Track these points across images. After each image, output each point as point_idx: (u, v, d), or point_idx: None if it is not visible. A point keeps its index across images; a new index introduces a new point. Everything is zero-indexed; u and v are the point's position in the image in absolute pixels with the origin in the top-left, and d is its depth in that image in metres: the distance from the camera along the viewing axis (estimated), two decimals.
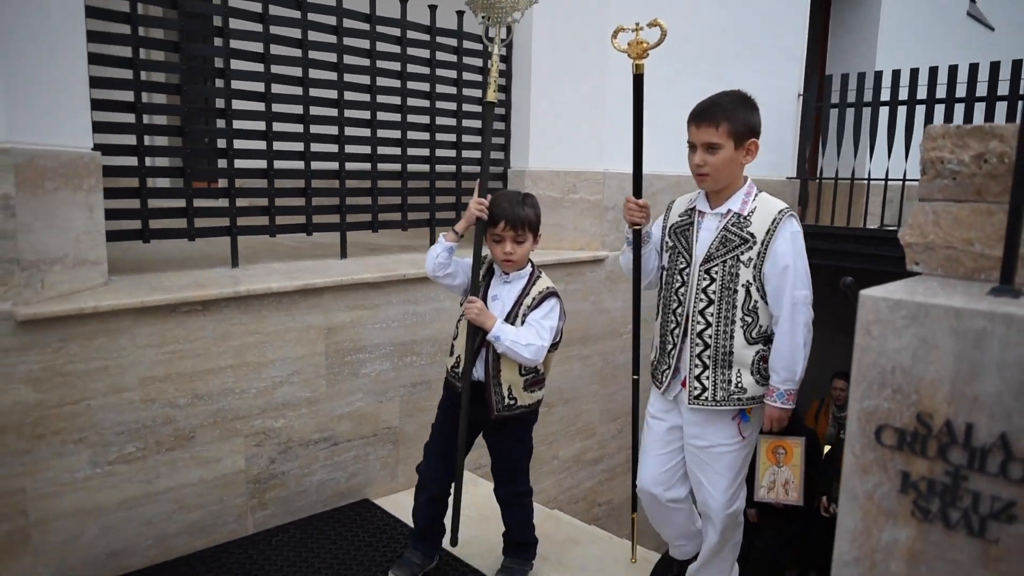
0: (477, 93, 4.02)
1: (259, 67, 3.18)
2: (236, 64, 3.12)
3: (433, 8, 3.72)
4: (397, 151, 3.70)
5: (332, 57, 3.40)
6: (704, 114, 2.22)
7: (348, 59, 3.45)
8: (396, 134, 3.69)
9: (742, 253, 2.24)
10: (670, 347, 2.38)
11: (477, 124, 4.06)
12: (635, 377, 2.72)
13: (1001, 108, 5.01)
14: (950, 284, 1.71)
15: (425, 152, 3.84)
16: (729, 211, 2.27)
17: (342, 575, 2.68)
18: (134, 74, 2.83)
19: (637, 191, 2.49)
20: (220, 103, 3.10)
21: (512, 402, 2.49)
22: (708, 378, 2.30)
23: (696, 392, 2.32)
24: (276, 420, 2.93)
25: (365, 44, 3.51)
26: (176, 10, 2.92)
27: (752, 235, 2.23)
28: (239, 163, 3.16)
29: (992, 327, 1.41)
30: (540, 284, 2.51)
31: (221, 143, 3.12)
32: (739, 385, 2.29)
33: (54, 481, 2.41)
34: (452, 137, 3.97)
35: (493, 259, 2.50)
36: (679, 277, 2.36)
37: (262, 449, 2.91)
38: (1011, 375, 1.39)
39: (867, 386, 1.58)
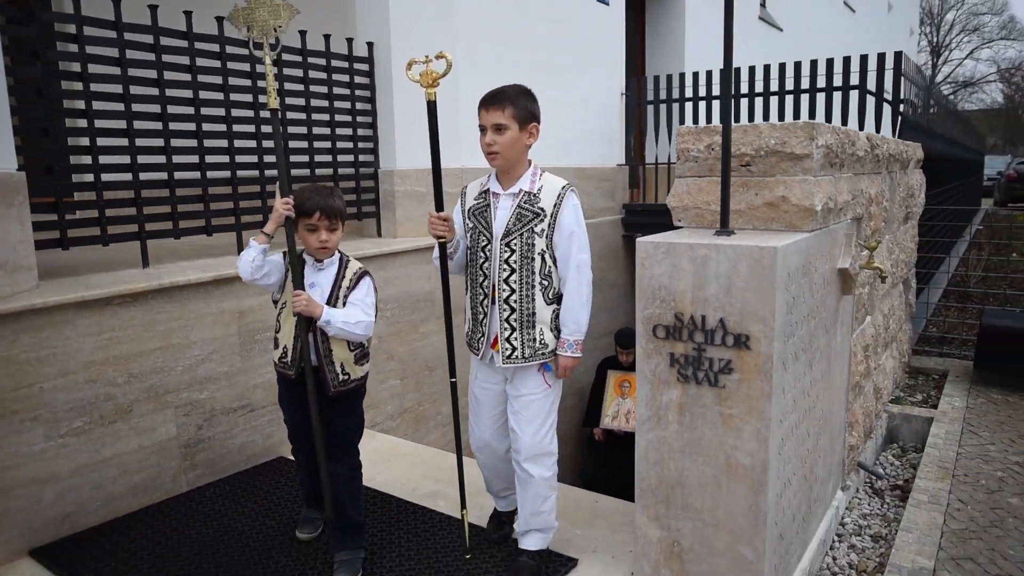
0: (347, 104, 4.63)
1: (155, 91, 3.63)
2: (135, 89, 3.55)
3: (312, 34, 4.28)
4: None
5: (218, 80, 3.89)
6: (493, 99, 2.49)
7: (232, 80, 3.95)
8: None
9: (536, 226, 2.50)
10: (481, 316, 2.61)
11: (349, 131, 4.67)
12: (452, 380, 2.78)
13: (781, 99, 6.21)
14: (695, 231, 2.58)
15: (305, 159, 4.40)
16: (521, 191, 2.53)
17: (265, 521, 3.16)
18: (48, 99, 3.22)
19: (439, 206, 2.61)
20: (123, 124, 3.52)
21: (346, 377, 2.67)
22: (516, 339, 2.55)
23: (507, 352, 2.55)
24: (200, 392, 3.43)
25: (246, 67, 4.02)
26: (77, 44, 3.33)
27: (543, 209, 2.51)
28: (143, 175, 3.60)
29: (710, 253, 2.26)
30: (352, 266, 2.71)
31: (126, 159, 3.54)
32: (542, 341, 2.55)
33: (14, 455, 2.82)
34: (328, 144, 4.55)
35: (306, 249, 2.63)
36: (482, 253, 2.57)
37: (190, 418, 3.40)
38: (721, 282, 2.24)
39: (645, 300, 2.41)
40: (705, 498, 2.40)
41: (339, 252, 2.71)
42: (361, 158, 4.81)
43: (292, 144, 4.30)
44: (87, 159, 3.42)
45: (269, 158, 4.18)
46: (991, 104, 45.79)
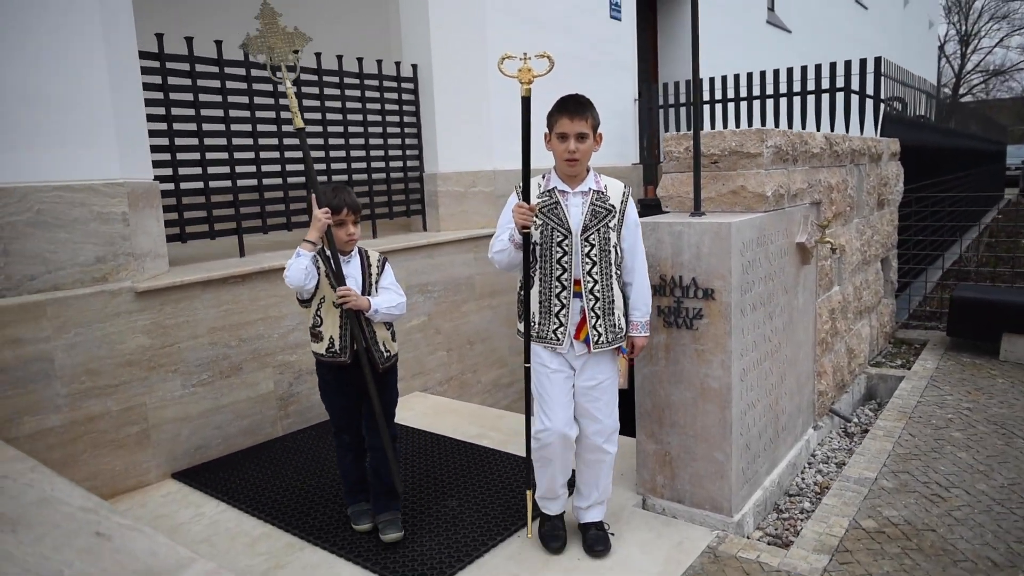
0: (395, 119, 5.48)
1: (247, 113, 4.50)
2: (233, 112, 4.42)
3: (380, 61, 5.13)
4: (344, 166, 5.10)
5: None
6: (579, 109, 2.66)
7: (307, 102, 4.81)
8: (343, 153, 5.08)
9: (610, 221, 2.71)
10: (558, 308, 2.73)
11: (398, 141, 5.51)
12: (527, 365, 2.81)
13: (776, 102, 6.92)
14: (677, 214, 3.36)
15: (363, 165, 5.25)
16: (591, 189, 2.73)
17: None
18: (168, 127, 4.10)
19: (526, 196, 2.67)
20: (223, 141, 4.40)
21: (389, 353, 2.97)
22: (601, 326, 2.73)
23: (595, 339, 2.73)
24: (291, 355, 4.29)
25: (316, 90, 4.88)
26: (190, 79, 4.20)
27: (613, 206, 2.73)
28: (239, 182, 4.47)
29: (684, 229, 3.04)
30: (373, 255, 2.96)
31: (224, 168, 4.42)
32: (619, 326, 2.78)
33: (162, 398, 3.69)
34: (382, 152, 5.40)
35: (336, 244, 2.79)
36: (559, 248, 2.70)
37: (284, 376, 4.26)
38: (692, 250, 3.02)
39: None
40: (686, 416, 3.18)
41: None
42: (409, 163, 5.65)
43: (353, 153, 5.16)
44: (198, 170, 4.30)
45: (337, 165, 5.03)
46: (1022, 93, 45.34)
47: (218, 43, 4.34)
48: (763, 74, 6.79)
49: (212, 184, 4.37)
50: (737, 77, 6.94)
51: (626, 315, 2.82)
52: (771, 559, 2.81)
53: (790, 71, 6.57)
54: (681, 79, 7.56)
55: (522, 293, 2.81)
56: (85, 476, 3.38)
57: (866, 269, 5.20)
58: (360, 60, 5.15)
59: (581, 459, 2.91)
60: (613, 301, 2.75)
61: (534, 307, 2.77)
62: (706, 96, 7.36)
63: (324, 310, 2.88)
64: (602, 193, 2.74)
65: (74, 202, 3.32)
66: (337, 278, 2.78)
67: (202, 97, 4.28)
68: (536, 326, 2.77)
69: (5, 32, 3.10)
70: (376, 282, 2.94)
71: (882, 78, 6.20)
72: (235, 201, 4.46)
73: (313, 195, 2.78)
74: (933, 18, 25.45)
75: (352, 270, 2.90)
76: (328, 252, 2.81)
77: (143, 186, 3.71)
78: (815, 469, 3.97)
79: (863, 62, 6.21)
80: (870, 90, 6.36)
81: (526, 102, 2.66)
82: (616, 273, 2.75)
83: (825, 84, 6.47)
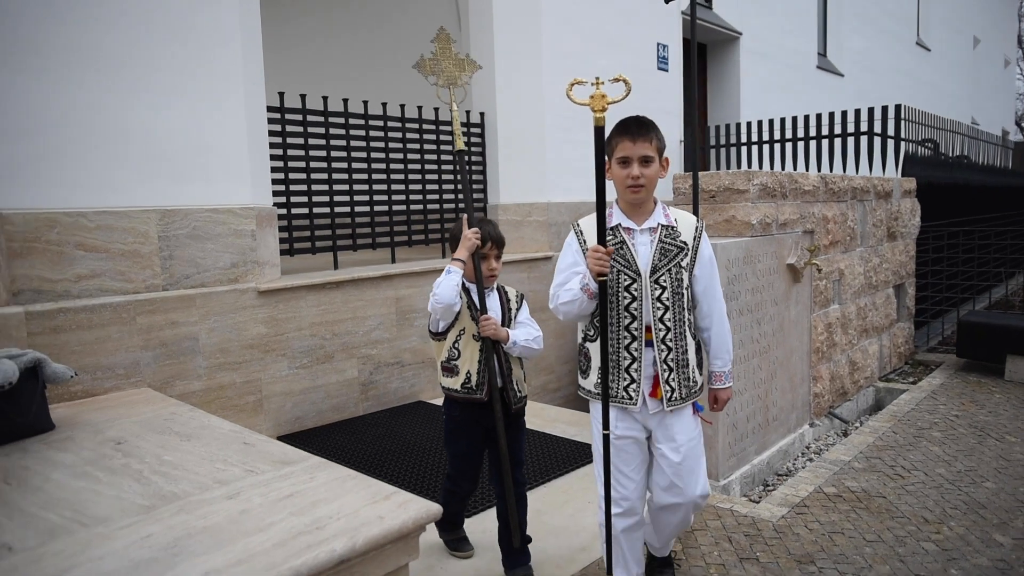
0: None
1: (344, 154, 5.57)
2: (333, 153, 5.50)
3: (436, 109, 6.17)
4: (420, 196, 6.11)
5: (381, 144, 5.80)
6: (641, 129, 2.37)
7: (392, 144, 5.85)
8: (420, 186, 6.10)
9: (682, 260, 2.41)
10: (628, 362, 2.41)
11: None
12: (605, 432, 2.45)
13: (807, 144, 7.61)
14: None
15: (437, 196, 6.25)
16: (659, 224, 2.42)
17: (413, 430, 4.95)
18: (283, 162, 5.19)
19: (601, 238, 2.34)
20: (325, 177, 5.47)
21: (522, 393, 2.75)
22: (674, 380, 2.40)
23: (668, 394, 2.39)
24: (372, 349, 5.26)
25: (399, 135, 5.92)
26: (302, 127, 5.30)
27: (685, 243, 2.43)
28: (337, 209, 5.53)
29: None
30: (510, 291, 2.85)
31: (325, 198, 5.48)
32: (693, 379, 2.44)
33: (272, 376, 4.70)
34: (452, 185, 6.40)
35: (471, 276, 2.68)
36: (627, 293, 2.39)
37: (366, 366, 5.23)
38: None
39: None
40: None
41: None
42: (475, 196, 6.63)
43: (429, 186, 6.17)
44: (305, 199, 5.37)
45: (414, 197, 6.05)
46: None
47: (324, 98, 5.44)
48: (795, 119, 7.51)
49: (315, 210, 5.44)
50: (772, 122, 7.68)
51: (699, 364, 2.53)
52: (742, 509, 3.55)
53: (819, 116, 7.27)
54: (730, 121, 8.33)
55: (586, 346, 2.56)
56: None
57: (873, 293, 5.83)
58: (436, 109, 6.18)
59: (658, 519, 2.65)
60: (687, 351, 2.45)
61: (599, 362, 2.43)
62: (745, 138, 8.12)
63: (463, 343, 2.70)
64: (672, 228, 2.46)
65: (219, 221, 4.40)
66: (481, 306, 2.65)
67: (311, 141, 5.37)
68: (608, 381, 2.42)
69: (176, 101, 4.22)
70: (514, 318, 2.81)
71: (903, 122, 6.83)
72: (332, 224, 5.52)
73: (464, 216, 2.72)
74: (1009, 57, 25.22)
75: (492, 303, 2.76)
76: (469, 282, 2.71)
77: (266, 210, 4.79)
78: (806, 458, 4.65)
79: (884, 108, 6.86)
80: (893, 133, 6.99)
81: (599, 132, 2.39)
82: (689, 319, 2.46)
83: (851, 128, 7.14)
